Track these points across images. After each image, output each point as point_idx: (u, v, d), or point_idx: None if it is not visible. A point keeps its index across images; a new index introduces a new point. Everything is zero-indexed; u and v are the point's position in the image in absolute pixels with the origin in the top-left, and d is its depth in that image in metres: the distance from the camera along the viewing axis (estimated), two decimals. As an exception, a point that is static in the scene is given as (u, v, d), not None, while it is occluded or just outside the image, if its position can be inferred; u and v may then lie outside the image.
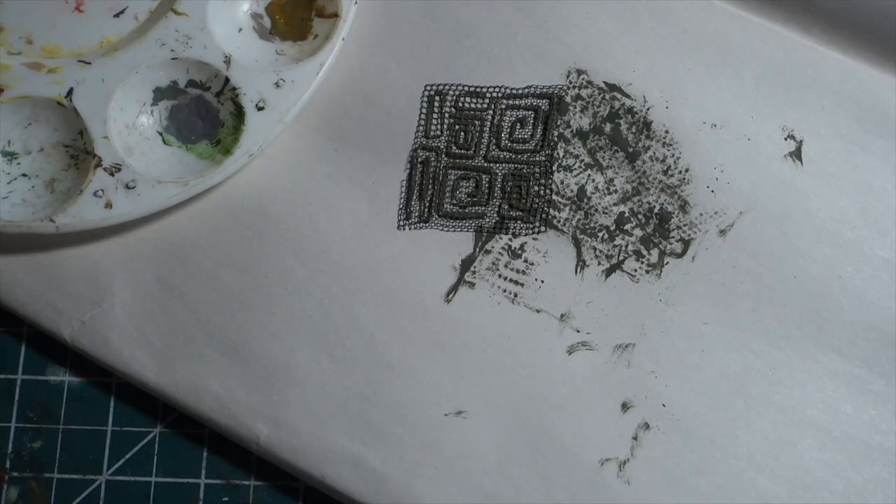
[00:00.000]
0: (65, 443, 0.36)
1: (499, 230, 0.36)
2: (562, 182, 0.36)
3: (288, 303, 0.35)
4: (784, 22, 0.37)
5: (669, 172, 0.36)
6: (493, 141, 0.37)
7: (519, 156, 0.36)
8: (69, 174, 0.35)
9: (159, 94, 0.36)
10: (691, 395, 0.35)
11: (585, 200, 0.36)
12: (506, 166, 0.36)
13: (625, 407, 0.35)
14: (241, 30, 0.37)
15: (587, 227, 0.36)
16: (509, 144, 0.36)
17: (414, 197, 0.36)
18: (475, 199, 0.36)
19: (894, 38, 0.36)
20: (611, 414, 0.35)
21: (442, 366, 0.35)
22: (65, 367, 0.37)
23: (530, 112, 0.37)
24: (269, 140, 0.35)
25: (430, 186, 0.36)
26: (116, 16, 0.37)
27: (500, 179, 0.36)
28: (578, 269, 0.36)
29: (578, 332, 0.35)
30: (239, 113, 0.35)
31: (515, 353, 0.35)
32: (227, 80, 0.35)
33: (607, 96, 0.37)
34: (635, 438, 0.34)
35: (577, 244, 0.36)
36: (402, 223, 0.36)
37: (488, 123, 0.37)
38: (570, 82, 0.37)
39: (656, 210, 0.36)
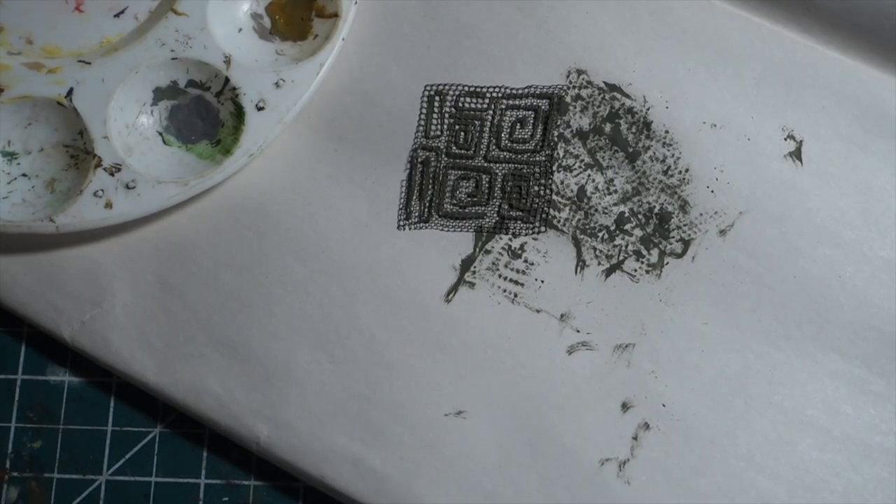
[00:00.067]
0: (65, 443, 0.36)
1: (499, 230, 0.36)
2: (562, 182, 0.36)
3: (288, 303, 0.35)
4: (784, 22, 0.37)
5: (669, 172, 0.36)
6: (493, 141, 0.37)
7: (519, 156, 0.36)
8: (69, 174, 0.35)
9: (159, 94, 0.36)
10: (691, 396, 0.35)
11: (585, 200, 0.36)
12: (506, 166, 0.36)
13: (625, 407, 0.35)
14: (241, 30, 0.37)
15: (587, 227, 0.36)
16: (509, 144, 0.36)
17: (414, 197, 0.36)
18: (475, 199, 0.36)
19: (894, 38, 0.36)
20: (611, 414, 0.35)
21: (442, 366, 0.35)
22: (65, 367, 0.37)
23: (530, 112, 0.37)
24: (269, 140, 0.35)
25: (430, 186, 0.36)
26: (116, 16, 0.37)
27: (500, 179, 0.36)
28: (578, 269, 0.36)
29: (578, 332, 0.35)
30: (239, 113, 0.35)
31: (515, 353, 0.35)
32: (227, 80, 0.35)
33: (607, 96, 0.37)
34: (635, 438, 0.34)
35: (577, 244, 0.36)
36: (402, 223, 0.36)
37: (488, 123, 0.37)
38: (570, 82, 0.37)
39: (656, 210, 0.36)
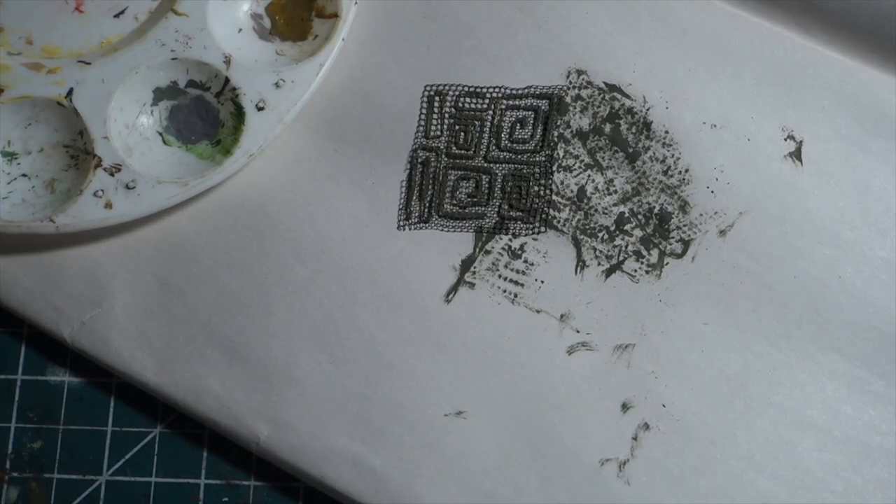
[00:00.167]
0: (65, 443, 0.36)
1: (499, 230, 0.36)
2: (562, 182, 0.36)
3: (288, 303, 0.35)
4: (784, 22, 0.37)
5: (669, 173, 0.36)
6: (493, 141, 0.37)
7: (519, 156, 0.36)
8: (69, 174, 0.35)
9: (159, 95, 0.36)
10: (691, 396, 0.35)
11: (585, 201, 0.36)
12: (506, 166, 0.36)
13: (625, 407, 0.35)
14: (240, 30, 0.37)
15: (587, 227, 0.36)
16: (509, 145, 0.36)
17: (414, 197, 0.36)
18: (475, 199, 0.36)
19: (894, 38, 0.36)
20: (611, 414, 0.35)
21: (442, 366, 0.35)
22: (65, 368, 0.37)
23: (530, 112, 0.37)
24: (269, 140, 0.35)
25: (430, 187, 0.36)
26: (116, 16, 0.37)
27: (500, 180, 0.36)
28: (578, 269, 0.36)
29: (578, 332, 0.35)
30: (239, 113, 0.35)
31: (515, 354, 0.35)
32: (227, 80, 0.35)
33: (607, 96, 0.37)
34: (635, 439, 0.34)
35: (577, 244, 0.36)
36: (402, 223, 0.36)
37: (488, 124, 0.37)
38: (570, 82, 0.37)
39: (656, 210, 0.36)
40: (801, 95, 0.37)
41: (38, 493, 0.36)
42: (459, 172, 0.36)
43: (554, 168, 0.36)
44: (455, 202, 0.36)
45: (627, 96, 0.37)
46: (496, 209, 0.36)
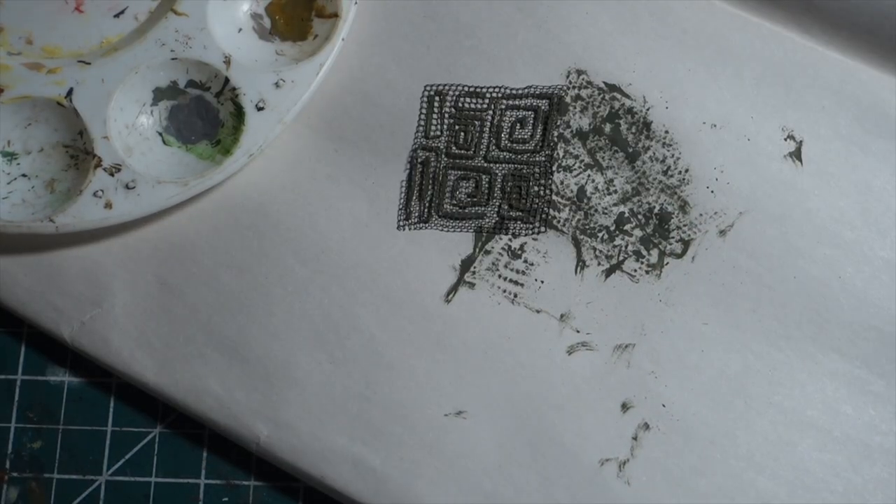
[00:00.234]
0: (65, 443, 0.36)
1: (499, 230, 0.36)
2: (562, 182, 0.36)
3: (288, 303, 0.35)
4: (784, 22, 0.37)
5: (669, 173, 0.36)
6: (493, 141, 0.37)
7: (519, 156, 0.36)
8: (69, 174, 0.35)
9: (159, 95, 0.36)
10: (691, 396, 0.35)
11: (585, 201, 0.36)
12: (506, 166, 0.36)
13: (625, 407, 0.35)
14: (240, 30, 0.37)
15: (587, 227, 0.36)
16: (509, 145, 0.36)
17: (414, 197, 0.36)
18: (475, 199, 0.36)
19: (894, 38, 0.36)
20: (611, 414, 0.35)
21: (442, 366, 0.35)
22: (65, 368, 0.37)
23: (530, 112, 0.37)
24: (269, 140, 0.35)
25: (429, 187, 0.36)
26: (116, 16, 0.37)
27: (499, 180, 0.36)
28: (578, 269, 0.36)
29: (578, 332, 0.35)
30: (239, 113, 0.35)
31: (515, 354, 0.35)
32: (226, 80, 0.35)
33: (607, 96, 0.37)
34: (635, 438, 0.34)
35: (577, 244, 0.36)
36: (401, 223, 0.36)
37: (488, 123, 0.37)
38: (570, 82, 0.37)
39: (656, 210, 0.36)
40: (801, 95, 0.37)
41: (38, 493, 0.36)
42: (459, 172, 0.36)
43: (554, 168, 0.36)
44: (455, 202, 0.36)
45: (627, 96, 0.37)
46: (496, 209, 0.36)
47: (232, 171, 0.35)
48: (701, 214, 0.36)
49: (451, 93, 0.37)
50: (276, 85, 0.35)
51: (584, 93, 0.37)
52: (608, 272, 0.36)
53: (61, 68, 0.35)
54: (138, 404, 0.36)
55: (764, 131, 0.36)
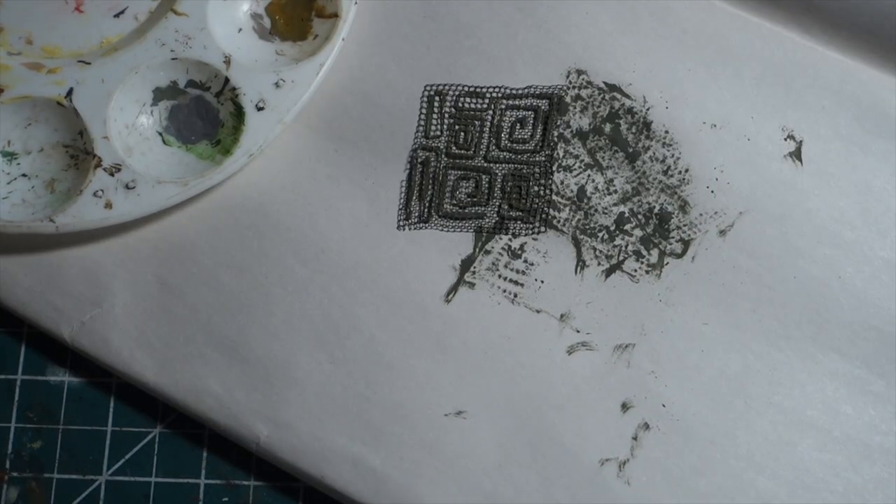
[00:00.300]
0: (65, 443, 0.36)
1: (499, 230, 0.36)
2: (562, 182, 0.36)
3: (288, 303, 0.35)
4: (784, 22, 0.37)
5: (669, 172, 0.36)
6: (493, 141, 0.37)
7: (519, 156, 0.36)
8: (69, 174, 0.35)
9: (159, 95, 0.36)
10: (691, 396, 0.35)
11: (585, 200, 0.36)
12: (506, 166, 0.36)
13: (625, 407, 0.35)
14: (240, 30, 0.37)
15: (587, 227, 0.36)
16: (509, 144, 0.36)
17: (414, 197, 0.36)
18: (475, 199, 0.36)
19: (894, 38, 0.36)
20: (611, 414, 0.35)
21: (442, 366, 0.35)
22: (65, 368, 0.37)
23: (530, 112, 0.37)
24: (269, 140, 0.35)
25: (429, 186, 0.36)
26: (116, 16, 0.37)
27: (499, 179, 0.36)
28: (578, 269, 0.36)
29: (578, 332, 0.35)
30: (239, 113, 0.35)
31: (515, 353, 0.35)
32: (226, 80, 0.35)
33: (607, 96, 0.37)
34: (635, 438, 0.34)
35: (577, 244, 0.36)
36: (401, 223, 0.36)
37: (488, 123, 0.37)
38: (570, 82, 0.37)
39: (656, 210, 0.36)
40: (801, 95, 0.37)
41: (38, 493, 0.36)
42: (459, 172, 0.36)
43: (554, 168, 0.36)
44: (455, 202, 0.36)
45: (627, 96, 0.37)
46: (496, 209, 0.36)
47: (232, 171, 0.35)
48: (701, 214, 0.36)
49: (451, 93, 0.37)
50: (276, 85, 0.35)
51: (584, 93, 0.37)
52: (608, 272, 0.36)
53: (61, 68, 0.35)
54: (138, 404, 0.36)
55: (764, 131, 0.36)
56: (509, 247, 0.36)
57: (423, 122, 0.37)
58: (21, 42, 0.37)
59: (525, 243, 0.36)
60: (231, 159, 0.35)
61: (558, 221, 0.36)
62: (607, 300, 0.35)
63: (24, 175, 0.35)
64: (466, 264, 0.36)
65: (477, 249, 0.36)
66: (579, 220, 0.36)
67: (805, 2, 0.37)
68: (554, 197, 0.36)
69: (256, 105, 0.35)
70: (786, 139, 0.36)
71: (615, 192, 0.36)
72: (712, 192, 0.36)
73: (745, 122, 0.36)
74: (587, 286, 0.36)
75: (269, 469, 0.36)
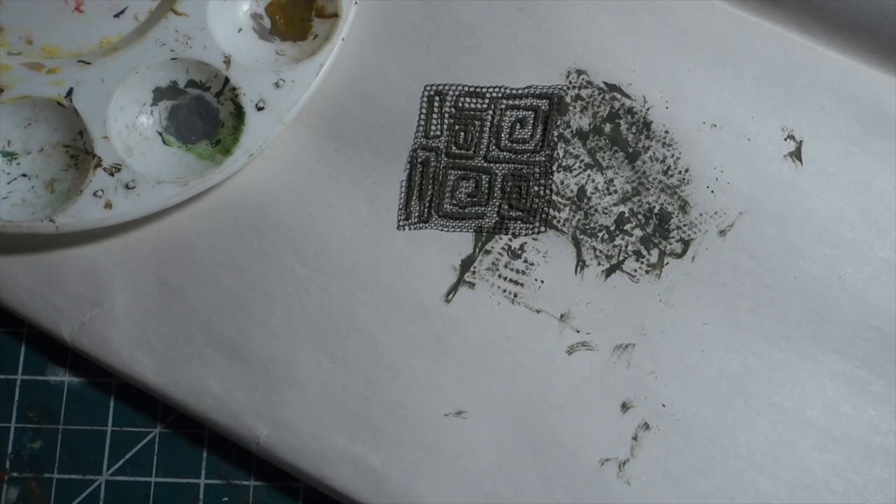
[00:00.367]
0: (65, 443, 0.36)
1: (499, 230, 0.36)
2: (562, 182, 0.36)
3: (288, 303, 0.35)
4: (784, 22, 0.37)
5: (669, 172, 0.36)
6: (493, 141, 0.37)
7: (519, 156, 0.36)
8: (69, 174, 0.35)
9: (159, 95, 0.36)
10: (691, 396, 0.35)
11: (585, 200, 0.36)
12: (506, 166, 0.36)
13: (625, 407, 0.35)
14: (240, 30, 0.37)
15: (587, 227, 0.36)
16: (509, 144, 0.36)
17: (414, 197, 0.36)
18: (475, 199, 0.36)
19: (894, 38, 0.36)
20: (611, 414, 0.35)
21: (442, 366, 0.35)
22: (65, 368, 0.37)
23: (530, 112, 0.37)
24: (269, 140, 0.35)
25: (429, 186, 0.36)
26: (116, 16, 0.37)
27: (499, 179, 0.36)
28: (578, 269, 0.36)
29: (578, 332, 0.35)
30: (239, 113, 0.35)
31: (515, 353, 0.35)
32: (226, 80, 0.35)
33: (607, 96, 0.37)
34: (635, 438, 0.34)
35: (577, 244, 0.36)
36: (401, 223, 0.36)
37: (488, 123, 0.37)
38: (570, 82, 0.37)
39: (656, 210, 0.36)
40: (801, 95, 0.37)
41: (38, 493, 0.36)
42: (459, 172, 0.36)
43: (554, 168, 0.36)
44: (455, 202, 0.36)
45: (627, 96, 0.37)
46: (496, 209, 0.36)
47: (232, 171, 0.35)
48: (701, 214, 0.36)
49: (451, 93, 0.37)
50: (276, 85, 0.35)
51: (584, 93, 0.37)
52: (608, 272, 0.36)
53: (61, 68, 0.35)
54: (138, 404, 0.36)
55: (764, 131, 0.36)
56: (509, 247, 0.36)
57: (423, 122, 0.37)
58: (21, 42, 0.37)
59: (525, 243, 0.36)
60: (231, 159, 0.35)
61: (558, 221, 0.36)
62: (607, 300, 0.35)
63: (24, 175, 0.35)
64: (466, 264, 0.36)
65: (477, 249, 0.36)
66: (579, 220, 0.36)
67: (805, 2, 0.37)
68: (554, 197, 0.36)
69: (256, 105, 0.35)
70: (786, 139, 0.36)
71: (615, 192, 0.36)
72: (712, 192, 0.36)
73: (745, 122, 0.36)
74: (587, 286, 0.36)
75: (269, 469, 0.36)
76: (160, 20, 0.36)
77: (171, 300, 0.36)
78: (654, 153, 0.36)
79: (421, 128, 0.37)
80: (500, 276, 0.36)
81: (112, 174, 0.34)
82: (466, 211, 0.36)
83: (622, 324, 0.35)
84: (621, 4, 0.37)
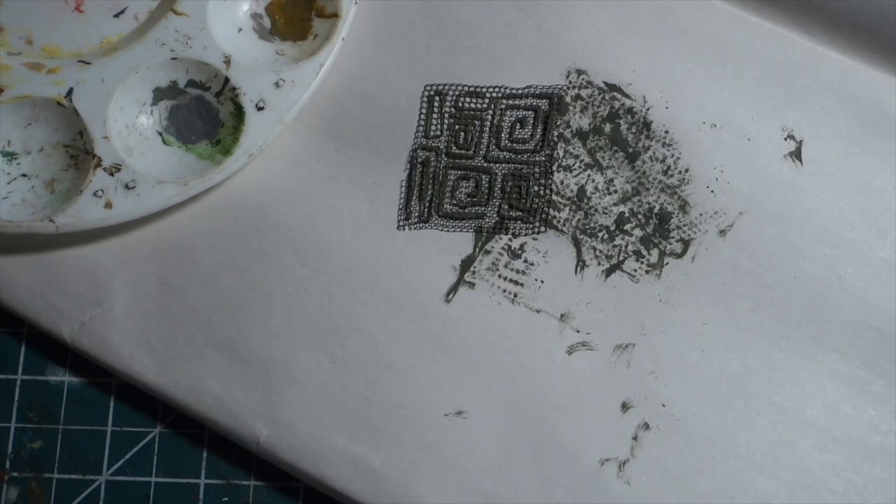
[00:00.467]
0: (65, 443, 0.36)
1: (499, 230, 0.36)
2: (562, 182, 0.36)
3: (288, 303, 0.35)
4: (784, 22, 0.37)
5: (669, 172, 0.36)
6: (493, 141, 0.37)
7: (519, 156, 0.36)
8: (69, 174, 0.35)
9: (159, 94, 0.36)
10: (691, 396, 0.35)
11: (585, 200, 0.36)
12: (506, 166, 0.36)
13: (625, 407, 0.35)
14: (240, 30, 0.37)
15: (587, 227, 0.36)
16: (509, 144, 0.36)
17: (414, 197, 0.36)
18: (475, 199, 0.36)
19: (894, 38, 0.36)
20: (611, 414, 0.35)
21: (442, 366, 0.35)
22: (65, 367, 0.37)
23: (530, 112, 0.37)
24: (269, 140, 0.35)
25: (429, 186, 0.36)
26: (116, 16, 0.37)
27: (499, 179, 0.36)
28: (578, 269, 0.36)
29: (578, 332, 0.35)
30: (239, 113, 0.35)
31: (515, 353, 0.35)
32: (226, 80, 0.35)
33: (607, 96, 0.37)
34: (635, 438, 0.34)
35: (577, 244, 0.36)
36: (401, 223, 0.36)
37: (488, 123, 0.37)
38: (570, 82, 0.37)
39: (656, 210, 0.36)
40: (801, 95, 0.37)
41: (38, 493, 0.36)
42: (459, 172, 0.36)
43: (554, 168, 0.36)
44: (455, 202, 0.36)
45: (627, 96, 0.37)
46: (496, 209, 0.36)
47: (232, 171, 0.35)
48: (701, 214, 0.36)
49: (451, 93, 0.37)
50: (276, 85, 0.35)
51: (584, 93, 0.37)
52: (608, 272, 0.36)
53: (61, 68, 0.35)
54: (138, 404, 0.36)
55: (764, 131, 0.36)
56: (509, 247, 0.36)
57: (423, 122, 0.37)
58: (21, 42, 0.37)
59: (525, 243, 0.36)
60: (231, 159, 0.35)
61: (558, 221, 0.36)
62: (607, 300, 0.35)
63: (24, 175, 0.35)
64: (466, 264, 0.36)
65: (477, 249, 0.36)
66: (579, 219, 0.36)
67: (805, 2, 0.37)
68: (554, 197, 0.36)
69: (256, 105, 0.35)
70: (786, 139, 0.36)
71: (615, 191, 0.36)
72: (712, 192, 0.36)
73: (745, 122, 0.36)
74: (587, 286, 0.36)
75: (269, 469, 0.36)
76: (160, 20, 0.36)
77: (171, 300, 0.36)
78: (654, 153, 0.36)
79: (421, 128, 0.37)
80: (500, 276, 0.36)
81: (112, 174, 0.34)
82: (466, 211, 0.36)
83: (622, 324, 0.35)
84: (621, 4, 0.37)
